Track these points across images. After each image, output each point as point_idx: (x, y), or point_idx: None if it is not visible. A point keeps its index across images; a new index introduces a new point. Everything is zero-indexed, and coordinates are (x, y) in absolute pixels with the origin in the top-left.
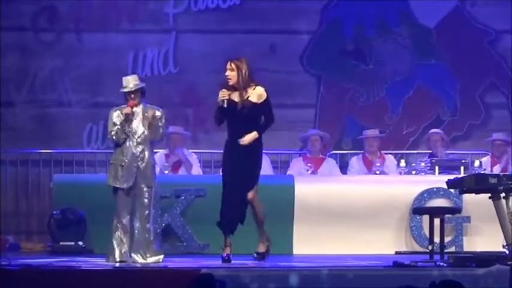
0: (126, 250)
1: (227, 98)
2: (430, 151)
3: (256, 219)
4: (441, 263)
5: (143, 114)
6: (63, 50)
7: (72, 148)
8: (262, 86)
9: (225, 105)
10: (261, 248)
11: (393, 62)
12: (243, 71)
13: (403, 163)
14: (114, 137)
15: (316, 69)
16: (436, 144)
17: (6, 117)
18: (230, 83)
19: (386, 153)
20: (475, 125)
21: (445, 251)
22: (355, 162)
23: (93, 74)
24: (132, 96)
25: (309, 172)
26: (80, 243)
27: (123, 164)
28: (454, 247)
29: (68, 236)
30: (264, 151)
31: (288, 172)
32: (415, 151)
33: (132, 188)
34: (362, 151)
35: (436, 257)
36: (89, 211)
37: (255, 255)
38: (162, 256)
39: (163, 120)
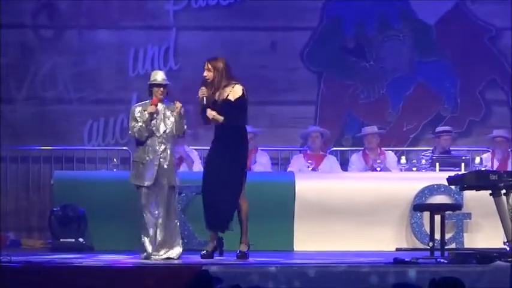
0: (151, 246)
1: (206, 95)
2: (430, 148)
3: (239, 217)
4: (442, 260)
5: (165, 112)
6: (64, 46)
7: (73, 145)
8: (241, 85)
9: (205, 102)
10: (244, 247)
11: (393, 58)
12: (220, 70)
13: (403, 160)
14: (136, 134)
15: (317, 66)
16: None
17: (6, 115)
18: (208, 81)
19: (386, 150)
20: (476, 121)
21: (446, 247)
22: (355, 159)
23: (93, 71)
24: (162, 90)
25: (310, 169)
26: (81, 240)
27: (144, 162)
28: (454, 244)
29: (68, 233)
30: (264, 148)
31: (289, 169)
32: (416, 148)
33: (155, 186)
34: (362, 148)
35: (437, 253)
36: (90, 208)
37: (238, 253)
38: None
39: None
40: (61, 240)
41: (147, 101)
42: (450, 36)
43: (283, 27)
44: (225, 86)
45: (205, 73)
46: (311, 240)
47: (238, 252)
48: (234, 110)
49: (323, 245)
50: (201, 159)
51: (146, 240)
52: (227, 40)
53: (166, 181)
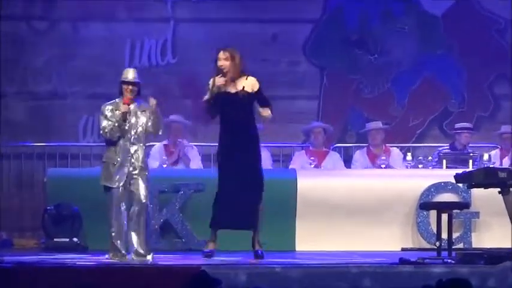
0: (124, 248)
1: (224, 83)
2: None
3: None
4: (449, 260)
5: (136, 112)
6: (58, 39)
7: (67, 141)
8: (253, 77)
9: (222, 90)
10: (259, 247)
11: (399, 51)
12: (237, 61)
13: (409, 156)
14: (108, 134)
15: (319, 60)
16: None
17: None
18: (225, 71)
19: (391, 147)
20: (484, 117)
21: (453, 247)
22: (359, 155)
23: (88, 65)
24: (131, 88)
25: (312, 166)
26: (75, 239)
27: (115, 162)
28: (462, 243)
29: (62, 232)
30: (265, 144)
31: (290, 166)
32: (422, 144)
33: (125, 187)
34: (367, 144)
35: (444, 253)
36: (84, 206)
37: (259, 253)
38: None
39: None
40: (55, 239)
41: (117, 100)
42: (457, 28)
43: (284, 19)
44: (240, 78)
45: (222, 62)
46: (313, 240)
47: (257, 251)
48: (266, 101)
49: (326, 245)
50: (200, 155)
51: (115, 242)
52: (227, 33)
53: (138, 182)
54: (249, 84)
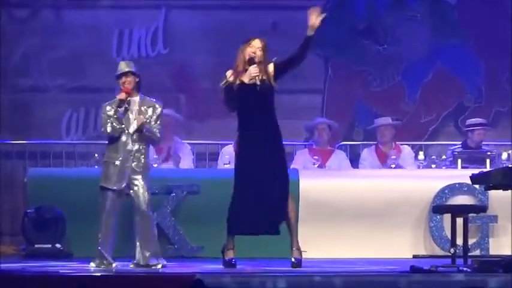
0: (111, 255)
1: (258, 74)
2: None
3: (286, 220)
4: (464, 268)
5: (140, 107)
6: (40, 28)
7: (49, 138)
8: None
9: (258, 83)
10: (297, 254)
11: (410, 41)
12: (266, 51)
13: (421, 155)
14: (109, 130)
15: (324, 50)
16: None
17: None
18: (256, 60)
19: (402, 144)
20: (502, 112)
21: (469, 254)
22: (367, 154)
23: (73, 55)
24: (129, 80)
25: (316, 166)
26: (58, 245)
27: (116, 162)
28: (479, 250)
29: (43, 238)
30: None
31: (292, 165)
32: (435, 142)
33: (123, 192)
34: (375, 142)
35: (459, 261)
36: (68, 209)
37: (294, 261)
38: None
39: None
40: (36, 246)
41: (116, 99)
42: (473, 16)
43: (285, 6)
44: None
45: (254, 50)
46: (317, 246)
47: (293, 260)
48: (291, 58)
49: (330, 252)
50: (194, 154)
51: (103, 247)
52: (223, 21)
53: (139, 185)
54: (269, 73)
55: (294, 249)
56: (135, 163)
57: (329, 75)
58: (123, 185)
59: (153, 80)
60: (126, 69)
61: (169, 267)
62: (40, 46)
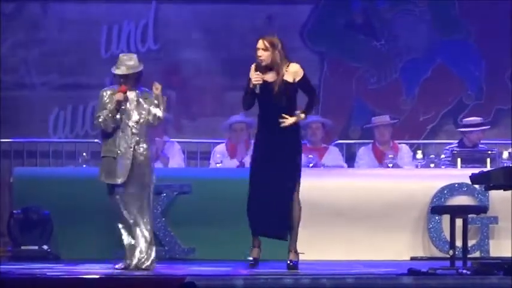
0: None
1: (261, 82)
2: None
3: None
4: (464, 271)
5: (138, 100)
6: (26, 22)
7: (36, 137)
8: (296, 62)
9: (258, 91)
10: (294, 256)
11: (409, 37)
12: (279, 48)
13: (419, 154)
14: (101, 123)
15: (319, 46)
16: None
17: None
18: (263, 64)
19: (400, 143)
20: (503, 110)
21: (469, 256)
22: (364, 153)
23: (60, 51)
24: (122, 80)
25: (311, 165)
26: (45, 247)
27: (116, 155)
28: (478, 252)
29: (30, 239)
30: None
31: None
32: (434, 141)
33: (129, 184)
34: (372, 141)
35: (458, 263)
36: (56, 210)
37: (290, 263)
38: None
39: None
40: (22, 247)
41: (115, 90)
42: (474, 11)
43: (280, 0)
44: (282, 67)
45: (260, 52)
46: (313, 248)
47: (289, 262)
48: (310, 90)
49: (327, 254)
50: (184, 153)
51: (129, 248)
52: (215, 15)
53: (140, 180)
54: (290, 73)
55: (291, 251)
56: (136, 156)
57: (325, 71)
58: (125, 178)
59: (143, 76)
60: (125, 72)
61: (160, 270)
62: (26, 41)
